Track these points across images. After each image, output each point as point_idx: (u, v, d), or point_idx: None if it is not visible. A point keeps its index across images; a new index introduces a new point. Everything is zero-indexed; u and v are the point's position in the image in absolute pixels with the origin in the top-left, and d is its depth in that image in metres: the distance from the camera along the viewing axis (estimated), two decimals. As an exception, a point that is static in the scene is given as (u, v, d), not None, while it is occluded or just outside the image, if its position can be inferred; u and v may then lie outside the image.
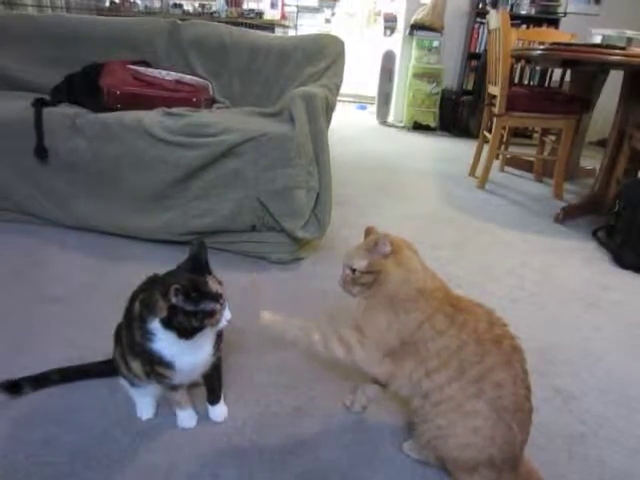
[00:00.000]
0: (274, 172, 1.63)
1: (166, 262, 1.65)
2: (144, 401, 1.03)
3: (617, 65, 2.42)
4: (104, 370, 1.09)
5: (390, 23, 5.27)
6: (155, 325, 0.85)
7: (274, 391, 1.14)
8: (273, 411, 1.08)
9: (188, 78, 2.12)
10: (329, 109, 1.83)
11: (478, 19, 4.57)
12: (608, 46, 2.45)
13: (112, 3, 4.76)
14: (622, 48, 2.35)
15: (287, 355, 1.26)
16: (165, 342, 0.86)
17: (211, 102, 2.12)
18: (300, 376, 1.19)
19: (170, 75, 2.09)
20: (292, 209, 1.64)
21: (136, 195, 1.72)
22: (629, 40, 2.69)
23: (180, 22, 2.32)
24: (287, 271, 1.71)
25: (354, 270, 0.93)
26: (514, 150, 3.62)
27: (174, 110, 1.78)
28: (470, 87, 4.78)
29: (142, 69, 2.05)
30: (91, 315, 1.37)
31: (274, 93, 2.18)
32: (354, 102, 6.25)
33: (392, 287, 0.89)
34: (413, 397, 0.90)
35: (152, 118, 1.69)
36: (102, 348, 1.23)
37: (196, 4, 4.76)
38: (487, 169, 2.91)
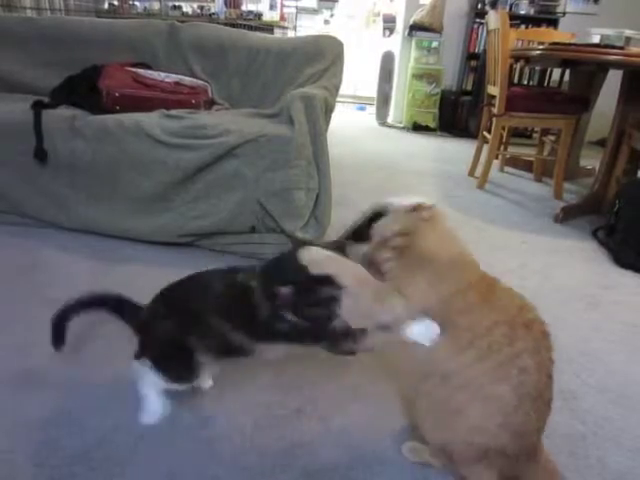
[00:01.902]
0: (273, 173, 1.63)
1: (166, 264, 1.67)
2: (155, 398, 1.01)
3: (616, 65, 2.42)
4: (119, 309, 1.06)
5: (389, 24, 5.28)
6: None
7: (275, 392, 1.14)
8: (274, 412, 1.08)
9: (187, 80, 2.12)
10: (328, 110, 1.83)
11: (477, 19, 4.58)
12: (607, 46, 2.46)
13: (111, 5, 4.77)
14: (621, 48, 2.36)
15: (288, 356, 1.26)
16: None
17: (210, 103, 2.12)
18: (300, 377, 1.19)
19: (169, 77, 2.09)
20: (291, 210, 1.64)
21: (135, 197, 1.72)
22: (627, 39, 2.70)
23: (179, 24, 2.32)
24: (287, 272, 1.71)
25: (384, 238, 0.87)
26: (514, 150, 3.62)
27: (173, 112, 1.78)
28: (470, 87, 4.79)
29: (141, 71, 2.05)
30: (93, 317, 1.37)
31: (273, 94, 2.18)
32: (353, 103, 6.26)
33: (426, 252, 0.85)
34: (428, 378, 0.86)
35: (152, 120, 1.70)
36: (105, 350, 1.24)
37: (195, 5, 4.76)
38: (487, 169, 2.91)
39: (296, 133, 1.62)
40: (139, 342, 0.99)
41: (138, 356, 0.98)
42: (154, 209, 1.72)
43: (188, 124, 1.67)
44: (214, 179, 1.66)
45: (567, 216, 2.46)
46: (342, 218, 2.25)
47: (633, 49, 2.37)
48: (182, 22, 2.34)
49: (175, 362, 0.96)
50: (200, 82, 2.15)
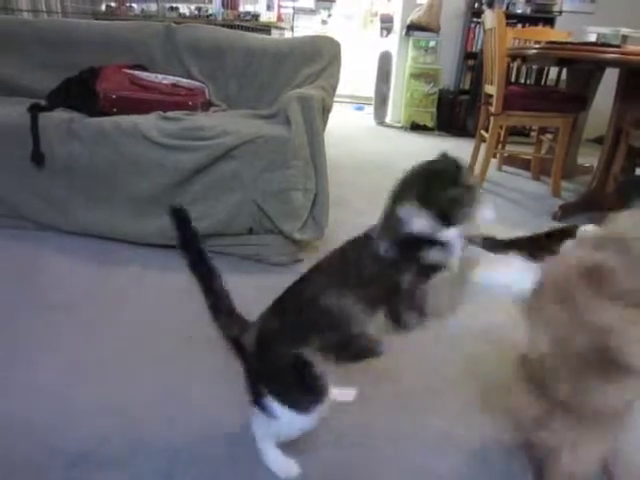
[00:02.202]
0: (271, 174, 1.63)
1: (164, 266, 1.66)
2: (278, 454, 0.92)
3: (613, 63, 2.42)
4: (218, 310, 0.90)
5: (387, 24, 5.29)
6: None
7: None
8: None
9: (184, 81, 2.12)
10: (325, 110, 1.84)
11: (474, 19, 4.58)
12: (603, 44, 2.46)
13: (108, 7, 4.77)
14: (617, 46, 2.36)
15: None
16: None
17: (207, 105, 2.12)
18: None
19: (166, 79, 2.09)
20: (289, 211, 1.64)
21: (133, 199, 1.72)
22: (624, 38, 2.70)
23: (176, 25, 2.32)
24: (287, 273, 1.70)
25: None
26: (512, 149, 3.62)
27: (170, 114, 1.78)
28: (467, 86, 4.79)
29: (138, 73, 2.05)
30: (93, 321, 1.37)
31: (270, 95, 2.18)
32: (352, 103, 6.26)
33: None
34: None
35: (149, 122, 1.70)
36: (104, 354, 1.24)
37: (192, 7, 4.77)
38: (484, 168, 2.91)
39: (293, 134, 1.62)
40: (251, 370, 0.86)
41: (255, 392, 0.85)
42: (152, 211, 1.71)
43: (185, 126, 1.68)
44: (212, 180, 1.67)
45: (565, 214, 2.46)
46: (340, 219, 2.27)
47: (630, 47, 2.38)
48: (179, 23, 2.35)
49: (298, 384, 0.82)
50: (197, 83, 2.15)
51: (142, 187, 1.69)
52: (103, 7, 4.80)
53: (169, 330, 1.35)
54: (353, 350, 0.82)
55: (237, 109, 2.16)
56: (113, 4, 4.74)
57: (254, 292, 1.55)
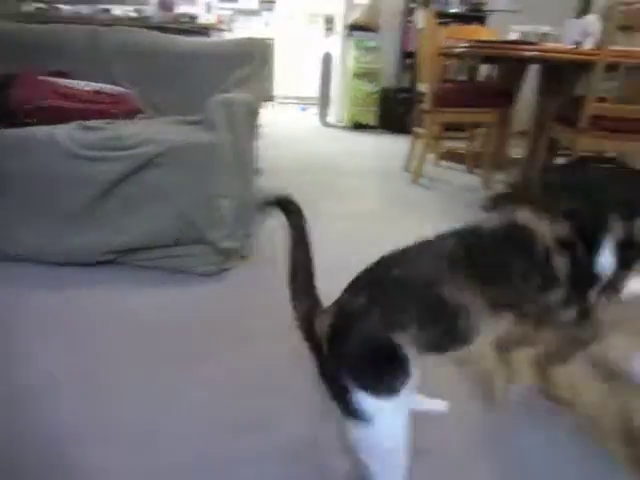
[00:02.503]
0: (196, 182, 1.60)
1: (95, 284, 1.58)
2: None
3: (531, 60, 2.55)
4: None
5: (329, 24, 5.33)
6: None
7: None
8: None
9: (108, 88, 2.06)
10: (253, 114, 1.83)
11: (411, 18, 4.68)
12: (524, 42, 2.59)
13: (37, 9, 4.55)
14: (534, 43, 2.49)
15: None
16: None
17: (134, 112, 2.06)
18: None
19: (89, 85, 2.02)
20: (216, 219, 1.61)
21: (52, 215, 1.63)
22: (544, 35, 2.85)
23: (102, 28, 2.25)
24: (214, 283, 1.65)
25: None
26: (451, 143, 3.74)
27: (90, 123, 1.71)
28: (407, 85, 4.90)
29: (58, 80, 1.97)
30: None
31: (200, 100, 2.11)
32: (296, 104, 6.27)
33: None
34: None
35: (66, 132, 1.62)
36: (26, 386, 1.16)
37: (128, 8, 4.62)
38: (420, 164, 2.99)
39: (218, 140, 1.61)
40: (328, 360, 0.70)
41: (340, 387, 0.68)
42: (72, 227, 1.63)
43: (106, 135, 1.62)
44: (136, 191, 1.61)
45: (495, 204, 2.56)
46: (273, 224, 2.24)
47: (547, 45, 2.51)
48: (111, 26, 2.28)
49: (381, 366, 0.69)
50: (122, 90, 2.09)
51: (60, 202, 1.60)
52: (32, 8, 4.57)
53: (108, 350, 1.30)
54: (452, 341, 0.74)
55: (166, 115, 2.11)
56: (43, 5, 4.53)
57: (181, 304, 1.53)
